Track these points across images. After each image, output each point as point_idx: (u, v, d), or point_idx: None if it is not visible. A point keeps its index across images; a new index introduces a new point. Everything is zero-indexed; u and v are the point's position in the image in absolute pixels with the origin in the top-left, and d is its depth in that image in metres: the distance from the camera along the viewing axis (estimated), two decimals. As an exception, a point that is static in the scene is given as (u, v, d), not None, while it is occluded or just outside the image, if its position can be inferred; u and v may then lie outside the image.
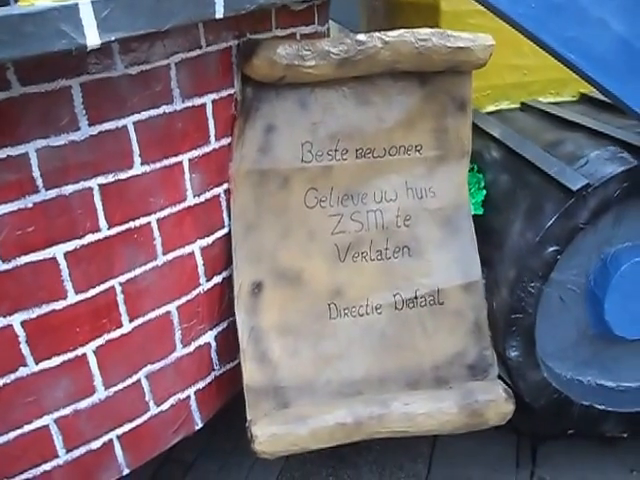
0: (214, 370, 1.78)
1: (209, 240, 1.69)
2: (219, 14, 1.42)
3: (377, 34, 1.70)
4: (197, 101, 1.59)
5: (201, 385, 1.76)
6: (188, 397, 1.73)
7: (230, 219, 1.72)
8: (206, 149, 1.64)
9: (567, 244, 1.76)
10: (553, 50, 1.58)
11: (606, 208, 1.77)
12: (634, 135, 1.80)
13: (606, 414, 1.97)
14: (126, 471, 1.63)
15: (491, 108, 2.25)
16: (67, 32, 1.19)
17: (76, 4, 1.19)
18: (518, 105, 2.26)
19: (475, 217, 1.88)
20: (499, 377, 1.84)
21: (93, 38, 1.22)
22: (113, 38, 1.24)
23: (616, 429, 2.00)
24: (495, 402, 1.78)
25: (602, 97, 1.74)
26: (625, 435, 2.02)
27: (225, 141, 1.67)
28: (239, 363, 1.74)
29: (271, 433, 1.67)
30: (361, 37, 1.68)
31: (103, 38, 1.23)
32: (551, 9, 1.53)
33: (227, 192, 1.71)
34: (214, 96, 1.62)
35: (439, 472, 2.04)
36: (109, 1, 1.23)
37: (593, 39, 1.56)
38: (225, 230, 1.73)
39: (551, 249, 1.74)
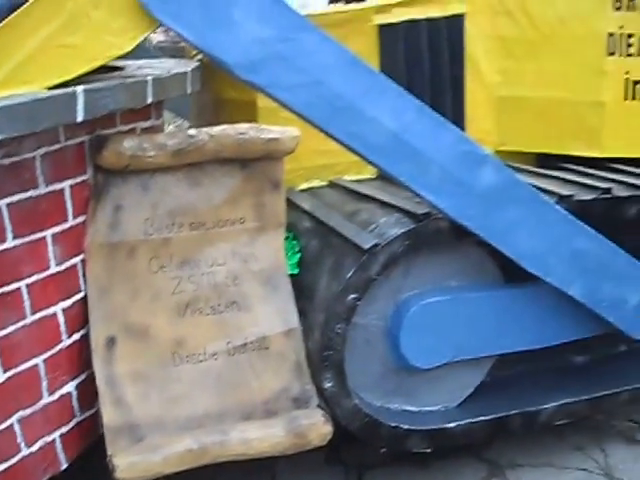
0: (76, 416, 2.32)
1: (69, 302, 2.26)
2: (79, 118, 2.05)
3: (205, 129, 2.39)
4: (57, 186, 2.18)
5: (65, 429, 2.28)
6: (54, 440, 2.25)
7: (86, 284, 2.31)
8: (65, 225, 2.22)
9: (365, 292, 2.48)
10: (339, 141, 2.34)
11: (394, 262, 2.53)
12: (413, 204, 2.57)
13: (411, 432, 2.67)
14: (2, 507, 2.12)
15: (304, 186, 3.00)
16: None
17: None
18: (327, 183, 3.03)
19: (292, 276, 2.58)
20: (319, 406, 2.51)
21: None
22: (-2, 138, 1.83)
23: (420, 445, 2.70)
24: (316, 425, 2.44)
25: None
26: (429, 450, 2.72)
27: (81, 219, 2.27)
28: (98, 409, 2.30)
29: (129, 462, 2.23)
30: (192, 132, 2.37)
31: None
32: (335, 110, 2.29)
33: (83, 261, 2.30)
34: (71, 182, 2.23)
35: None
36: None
37: (370, 133, 2.33)
38: (83, 294, 2.31)
39: (351, 297, 2.45)
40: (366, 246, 2.43)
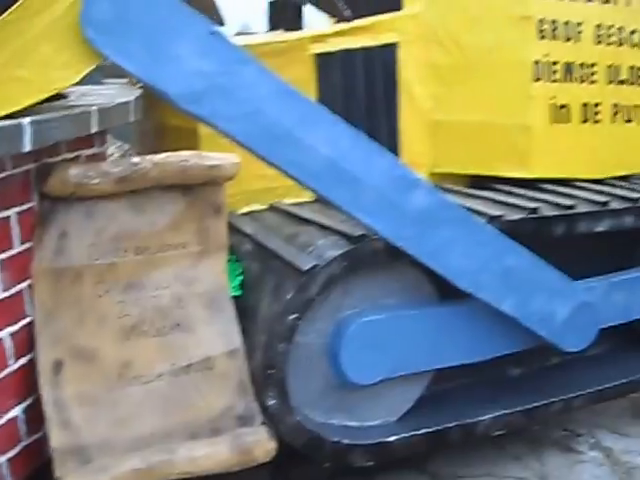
0: (23, 440, 2.40)
1: (16, 327, 2.34)
2: (26, 149, 2.15)
3: (148, 157, 2.50)
4: (4, 213, 2.26)
5: (12, 453, 2.35)
6: (1, 464, 2.32)
7: (33, 309, 2.40)
8: (12, 252, 2.31)
9: (305, 312, 2.61)
10: (278, 168, 2.47)
11: (333, 282, 2.65)
12: (350, 227, 2.71)
13: (353, 447, 2.80)
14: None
15: (245, 209, 3.12)
16: None
17: None
18: (267, 206, 3.15)
19: (235, 298, 2.69)
20: (263, 423, 2.62)
21: None
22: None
23: (362, 459, 2.82)
24: (260, 442, 2.55)
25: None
26: (371, 464, 2.85)
27: (27, 245, 2.36)
28: (46, 432, 2.38)
29: (78, 482, 2.31)
30: (135, 159, 2.48)
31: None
32: (273, 138, 2.42)
33: (30, 287, 2.39)
34: (17, 209, 2.31)
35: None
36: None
37: (306, 160, 2.47)
38: (29, 319, 2.39)
39: (292, 317, 2.57)
40: (305, 268, 2.56)
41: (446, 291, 2.92)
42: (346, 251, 2.64)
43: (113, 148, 5.13)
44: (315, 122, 2.49)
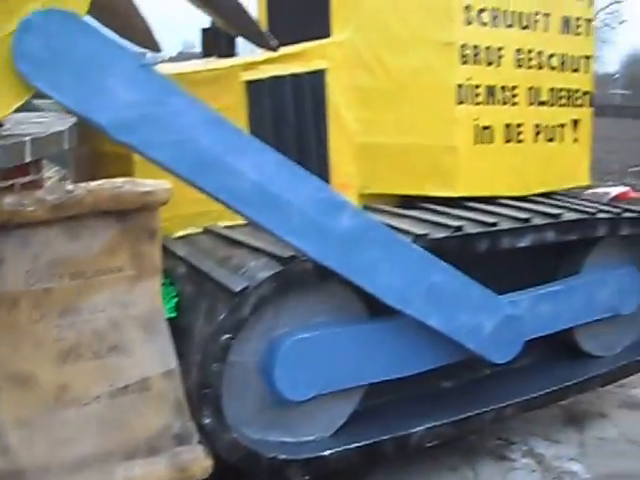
0: (-40, 465, 2.47)
1: (-47, 354, 2.43)
2: (-41, 181, 2.25)
3: (82, 184, 2.60)
4: (-61, 243, 2.36)
5: (-49, 478, 2.44)
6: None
7: (-30, 336, 2.48)
8: (-53, 281, 2.40)
9: (238, 332, 2.73)
10: (208, 194, 2.60)
11: (265, 303, 2.78)
12: (280, 248, 2.84)
13: (289, 462, 2.91)
14: None
15: (180, 233, 3.23)
16: None
17: None
18: (201, 230, 3.27)
19: (170, 319, 2.79)
20: (200, 441, 2.72)
21: None
22: None
23: (299, 474, 2.94)
24: (197, 459, 2.66)
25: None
26: (307, 478, 2.96)
27: (-36, 274, 2.45)
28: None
29: (14, 505, 2.39)
30: (70, 187, 2.58)
31: None
32: (203, 165, 2.54)
33: (-34, 315, 2.47)
34: (-47, 238, 2.41)
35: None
36: None
37: (235, 185, 2.59)
38: (-34, 345, 2.48)
39: (225, 337, 2.69)
40: (237, 289, 2.68)
41: (376, 308, 3.07)
42: (276, 272, 2.76)
43: (51, 172, 5.19)
44: (242, 149, 2.62)
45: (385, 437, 3.13)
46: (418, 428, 3.21)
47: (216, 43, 3.67)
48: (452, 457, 3.59)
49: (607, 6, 39.36)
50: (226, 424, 2.77)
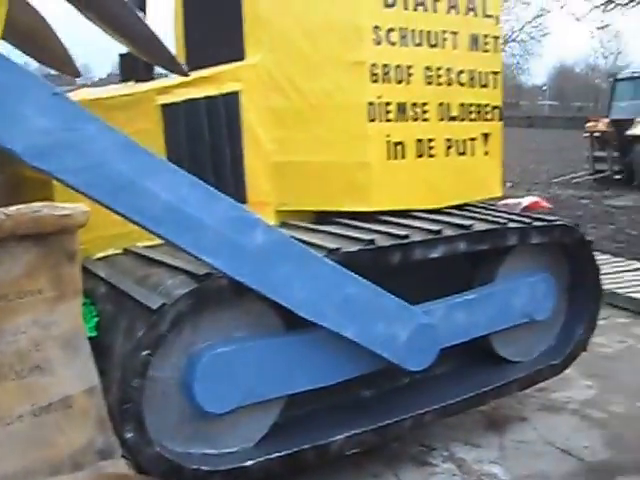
0: None
1: None
2: None
3: (1, 209, 2.70)
4: None
5: None
6: None
7: None
8: None
9: (157, 348, 2.85)
10: (123, 215, 2.72)
11: (182, 319, 2.91)
12: (197, 266, 2.97)
13: (212, 473, 3.04)
14: None
15: (101, 254, 3.34)
16: None
17: None
18: (121, 250, 3.38)
19: (91, 338, 2.90)
20: (123, 455, 2.84)
21: None
22: None
23: (221, 485, 3.09)
24: (121, 473, 2.77)
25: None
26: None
27: None
28: None
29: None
30: (-14, 213, 2.68)
31: None
32: (116, 188, 2.66)
33: None
34: None
35: None
36: None
37: (149, 206, 2.72)
38: None
39: (144, 353, 2.81)
40: (154, 306, 2.81)
41: (294, 321, 3.21)
42: (192, 289, 2.90)
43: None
44: (155, 171, 2.75)
45: (306, 446, 3.27)
46: (338, 437, 3.36)
47: (134, 68, 3.78)
48: (375, 464, 3.74)
49: (533, 19, 40.41)
50: (148, 438, 2.89)
